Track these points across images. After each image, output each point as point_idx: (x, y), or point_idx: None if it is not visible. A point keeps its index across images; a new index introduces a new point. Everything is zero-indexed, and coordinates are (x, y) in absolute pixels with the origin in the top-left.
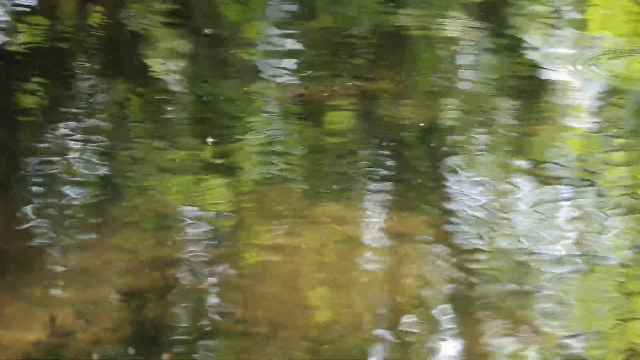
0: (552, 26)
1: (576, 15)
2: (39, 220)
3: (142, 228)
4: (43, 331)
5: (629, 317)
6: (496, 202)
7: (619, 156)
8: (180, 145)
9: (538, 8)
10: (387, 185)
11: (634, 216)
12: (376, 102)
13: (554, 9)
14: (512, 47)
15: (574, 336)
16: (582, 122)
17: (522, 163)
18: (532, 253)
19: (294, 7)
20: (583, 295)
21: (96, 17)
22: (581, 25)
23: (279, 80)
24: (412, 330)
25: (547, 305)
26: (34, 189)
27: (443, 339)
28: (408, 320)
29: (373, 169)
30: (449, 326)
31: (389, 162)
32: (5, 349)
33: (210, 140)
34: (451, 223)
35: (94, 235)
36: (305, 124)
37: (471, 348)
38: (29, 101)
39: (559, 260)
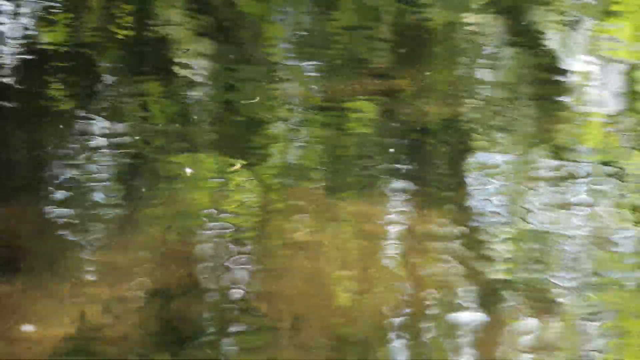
0: (571, 22)
1: (595, 10)
2: (67, 220)
3: (167, 226)
4: (72, 327)
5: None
6: (516, 199)
7: (636, 154)
8: (204, 144)
9: (557, 4)
10: (408, 182)
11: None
12: (396, 100)
13: (573, 9)
14: (531, 43)
15: (595, 324)
16: (601, 116)
17: (542, 158)
18: (550, 245)
19: (314, 6)
20: (597, 292)
21: (123, 17)
22: (600, 17)
23: (301, 78)
24: (431, 324)
25: (567, 299)
26: (62, 189)
27: (460, 334)
28: (428, 315)
29: (394, 166)
30: (467, 321)
31: (410, 159)
32: (36, 344)
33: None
34: (471, 220)
35: (121, 234)
36: (327, 122)
37: (486, 342)
38: (56, 100)
39: (575, 258)
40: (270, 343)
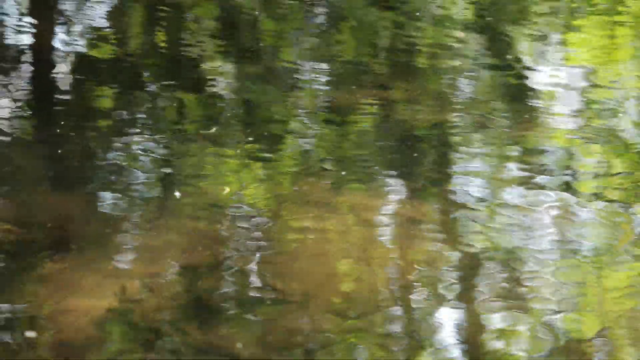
0: (540, 36)
1: (559, 36)
2: (110, 207)
3: (196, 214)
4: (114, 299)
5: (602, 296)
6: (492, 192)
7: (595, 152)
8: (228, 144)
9: (528, 28)
10: (400, 178)
11: (604, 207)
12: (392, 108)
13: (542, 30)
14: (505, 55)
15: (556, 312)
16: (565, 123)
17: (514, 159)
18: (523, 232)
19: (322, 28)
20: (563, 276)
21: (159, 35)
22: (564, 43)
23: (312, 89)
24: (419, 299)
25: (534, 284)
26: (107, 180)
27: (444, 307)
28: (416, 291)
29: (390, 163)
30: (450, 297)
31: (403, 158)
32: (84, 314)
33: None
34: (454, 210)
35: (156, 221)
36: (333, 126)
37: (467, 316)
38: (102, 106)
39: (543, 245)
40: (283, 314)
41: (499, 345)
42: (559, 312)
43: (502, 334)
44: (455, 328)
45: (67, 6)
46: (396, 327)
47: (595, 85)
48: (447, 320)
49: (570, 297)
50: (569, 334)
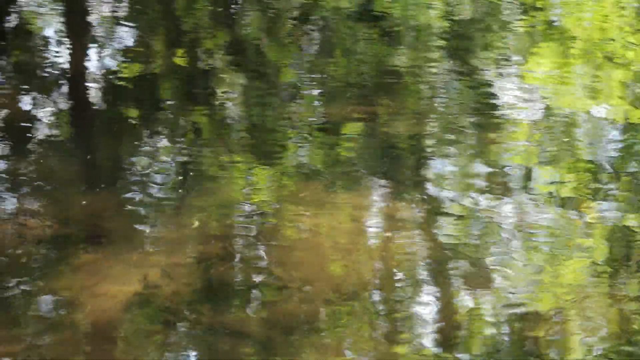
0: (504, 59)
1: (520, 59)
2: (135, 205)
3: (209, 212)
4: (138, 285)
5: (556, 282)
6: (461, 193)
7: (549, 161)
8: (236, 152)
9: (492, 52)
10: (384, 181)
11: (558, 208)
12: (377, 121)
13: (505, 53)
14: (474, 76)
15: (515, 292)
16: (525, 135)
17: (481, 165)
18: (490, 227)
19: (318, 52)
20: (522, 265)
21: (178, 56)
22: (524, 65)
23: (308, 103)
24: (399, 284)
25: (498, 272)
26: (133, 183)
27: (422, 291)
28: (397, 278)
29: (374, 168)
30: (428, 281)
31: (386, 164)
32: (112, 297)
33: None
34: (429, 209)
35: (175, 218)
36: (326, 136)
37: (441, 298)
38: (129, 117)
39: (505, 239)
40: (283, 298)
41: (467, 321)
42: (520, 295)
43: (470, 313)
44: (430, 308)
45: (100, 31)
46: (380, 308)
47: (549, 103)
48: (423, 301)
49: (529, 283)
50: (529, 311)
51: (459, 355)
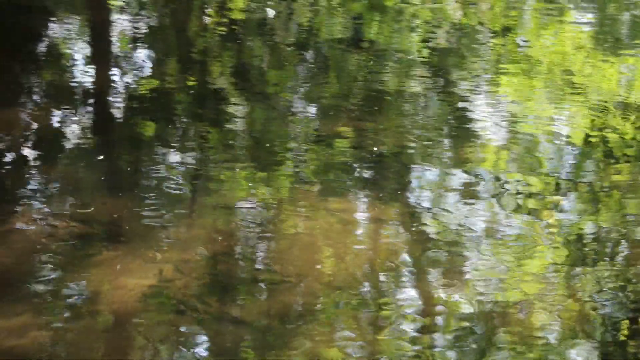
0: (477, 78)
1: (491, 78)
2: (151, 209)
3: (216, 213)
4: (153, 279)
5: (521, 277)
6: (439, 199)
7: (517, 171)
8: (240, 161)
9: (466, 74)
10: (371, 187)
11: (524, 213)
12: (365, 135)
13: (477, 74)
14: (450, 94)
15: (485, 283)
16: (495, 148)
17: (455, 175)
18: (463, 230)
19: (312, 75)
20: (492, 262)
21: (190, 78)
22: (494, 84)
23: (304, 119)
24: (385, 279)
25: (471, 267)
26: (149, 188)
27: (402, 284)
28: (382, 272)
29: (362, 177)
30: (407, 275)
31: (372, 173)
32: (131, 290)
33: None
34: (410, 213)
35: (186, 219)
36: (320, 148)
37: (421, 290)
38: (146, 130)
39: (477, 240)
40: (282, 290)
41: (444, 310)
42: (489, 287)
43: (446, 303)
44: (410, 298)
45: (121, 54)
46: (367, 298)
47: (517, 118)
48: (403, 293)
49: (498, 277)
50: (497, 303)
51: (435, 337)
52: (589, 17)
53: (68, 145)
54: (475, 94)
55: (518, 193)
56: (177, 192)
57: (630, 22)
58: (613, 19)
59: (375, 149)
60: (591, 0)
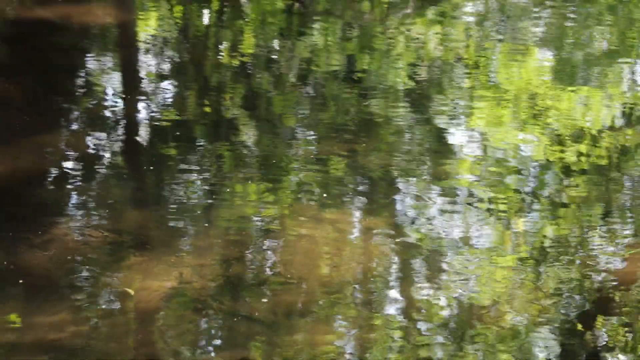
0: (453, 112)
1: (466, 107)
2: (172, 220)
3: (229, 224)
4: (175, 281)
5: (492, 279)
6: (423, 211)
7: (488, 185)
8: (250, 178)
9: (444, 103)
10: (362, 201)
11: (495, 221)
12: (357, 156)
13: (454, 103)
14: (430, 124)
15: (466, 281)
16: (469, 166)
17: (436, 189)
18: (441, 236)
19: (312, 103)
20: (468, 266)
21: (206, 106)
22: (469, 110)
23: (305, 142)
24: (375, 280)
25: (449, 271)
26: (171, 202)
27: (390, 284)
28: (374, 274)
29: (355, 192)
30: (395, 277)
31: (364, 188)
32: (155, 290)
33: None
34: (397, 223)
35: (203, 228)
36: (318, 167)
37: (405, 289)
38: (168, 152)
39: (455, 245)
40: (285, 290)
41: (424, 306)
42: (464, 287)
43: (428, 303)
44: (396, 297)
45: (147, 86)
46: (358, 297)
47: (488, 140)
48: (391, 292)
49: (472, 279)
50: (472, 303)
51: (420, 328)
52: (550, 54)
53: (101, 165)
54: (451, 119)
55: (490, 203)
56: (195, 205)
57: (584, 59)
58: (570, 56)
59: (365, 167)
60: (552, 41)
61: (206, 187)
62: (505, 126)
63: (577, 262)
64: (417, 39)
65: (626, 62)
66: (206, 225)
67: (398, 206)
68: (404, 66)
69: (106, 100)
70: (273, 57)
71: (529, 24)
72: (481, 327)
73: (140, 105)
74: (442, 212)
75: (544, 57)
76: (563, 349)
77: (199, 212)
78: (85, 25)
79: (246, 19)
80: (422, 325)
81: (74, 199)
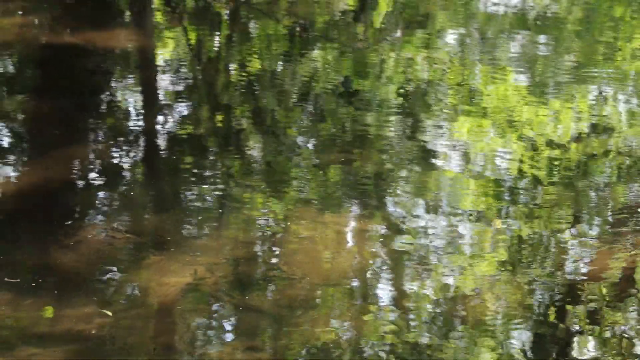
0: (438, 125)
1: (450, 120)
2: (188, 223)
3: (238, 226)
4: (191, 277)
5: (473, 274)
6: (410, 215)
7: (470, 189)
8: (257, 185)
9: (430, 117)
10: (357, 205)
11: (475, 222)
12: (353, 164)
13: (439, 117)
14: (419, 135)
15: (448, 277)
16: (453, 173)
17: (424, 193)
18: (429, 236)
19: (312, 117)
20: (449, 263)
21: (218, 120)
22: (452, 126)
23: (305, 152)
24: (369, 276)
25: (433, 267)
26: (185, 206)
27: (384, 279)
28: (367, 270)
29: (351, 197)
30: (388, 272)
31: (360, 194)
32: (172, 286)
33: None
34: (388, 226)
35: (215, 230)
36: (318, 174)
37: (396, 283)
38: (184, 162)
39: (438, 246)
40: (288, 285)
41: (414, 298)
42: (450, 279)
43: (416, 295)
44: (389, 290)
45: (164, 102)
46: (355, 291)
47: (469, 149)
48: (385, 286)
49: (457, 272)
50: (456, 293)
51: (409, 318)
52: (525, 74)
53: (124, 174)
54: (437, 131)
55: (472, 205)
56: (207, 210)
57: (555, 78)
58: (542, 75)
59: (361, 175)
60: (526, 62)
61: (217, 193)
62: (484, 137)
63: (549, 259)
64: (406, 60)
65: (592, 80)
66: (217, 227)
67: (389, 210)
68: (393, 84)
69: (128, 116)
70: (277, 76)
71: (505, 47)
72: (465, 318)
73: (158, 120)
74: (430, 213)
75: (519, 76)
76: (536, 338)
77: (211, 216)
78: (108, 49)
79: (252, 43)
80: (410, 314)
81: (100, 204)
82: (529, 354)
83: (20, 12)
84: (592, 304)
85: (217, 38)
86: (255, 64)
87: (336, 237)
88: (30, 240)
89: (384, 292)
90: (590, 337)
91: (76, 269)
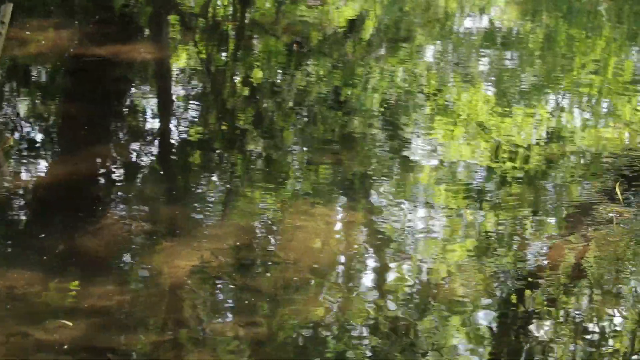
0: (416, 130)
1: (427, 126)
2: (196, 213)
3: (240, 217)
4: (198, 261)
5: (445, 261)
6: (394, 207)
7: (444, 186)
8: (257, 180)
9: (409, 123)
10: (346, 200)
11: (448, 213)
12: (341, 163)
13: (417, 123)
14: (399, 140)
15: (424, 263)
16: (429, 171)
17: (404, 189)
18: (408, 227)
19: (305, 122)
20: (427, 246)
21: (223, 124)
22: (429, 130)
23: (299, 153)
24: (355, 261)
25: (412, 256)
26: (195, 199)
27: (369, 264)
28: (355, 259)
29: (340, 193)
30: (373, 258)
31: (347, 190)
32: (181, 269)
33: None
34: (372, 216)
35: (221, 221)
36: (310, 172)
37: (381, 268)
38: (194, 164)
39: (420, 230)
40: (283, 270)
41: (394, 280)
42: (425, 266)
43: (396, 276)
44: (373, 273)
45: (177, 108)
46: (344, 276)
47: (444, 151)
48: (370, 270)
49: (430, 259)
50: (430, 279)
51: (388, 300)
52: (494, 84)
53: (141, 170)
54: (416, 135)
55: (446, 199)
56: (213, 202)
57: (520, 88)
58: (508, 87)
59: (349, 173)
60: (494, 75)
61: (222, 188)
62: (458, 140)
63: (512, 249)
64: (389, 72)
65: (553, 91)
66: (222, 218)
67: (375, 203)
68: (378, 93)
69: (145, 119)
70: (276, 86)
71: (477, 62)
72: (438, 301)
73: (172, 123)
74: (410, 207)
75: (488, 87)
76: (501, 322)
77: (216, 207)
78: (130, 60)
79: (255, 56)
80: (391, 295)
81: (120, 196)
82: (494, 332)
83: (53, 28)
84: (549, 289)
85: (224, 52)
86: (257, 75)
87: (326, 227)
88: (59, 226)
89: (367, 274)
90: (546, 318)
91: (98, 252)
